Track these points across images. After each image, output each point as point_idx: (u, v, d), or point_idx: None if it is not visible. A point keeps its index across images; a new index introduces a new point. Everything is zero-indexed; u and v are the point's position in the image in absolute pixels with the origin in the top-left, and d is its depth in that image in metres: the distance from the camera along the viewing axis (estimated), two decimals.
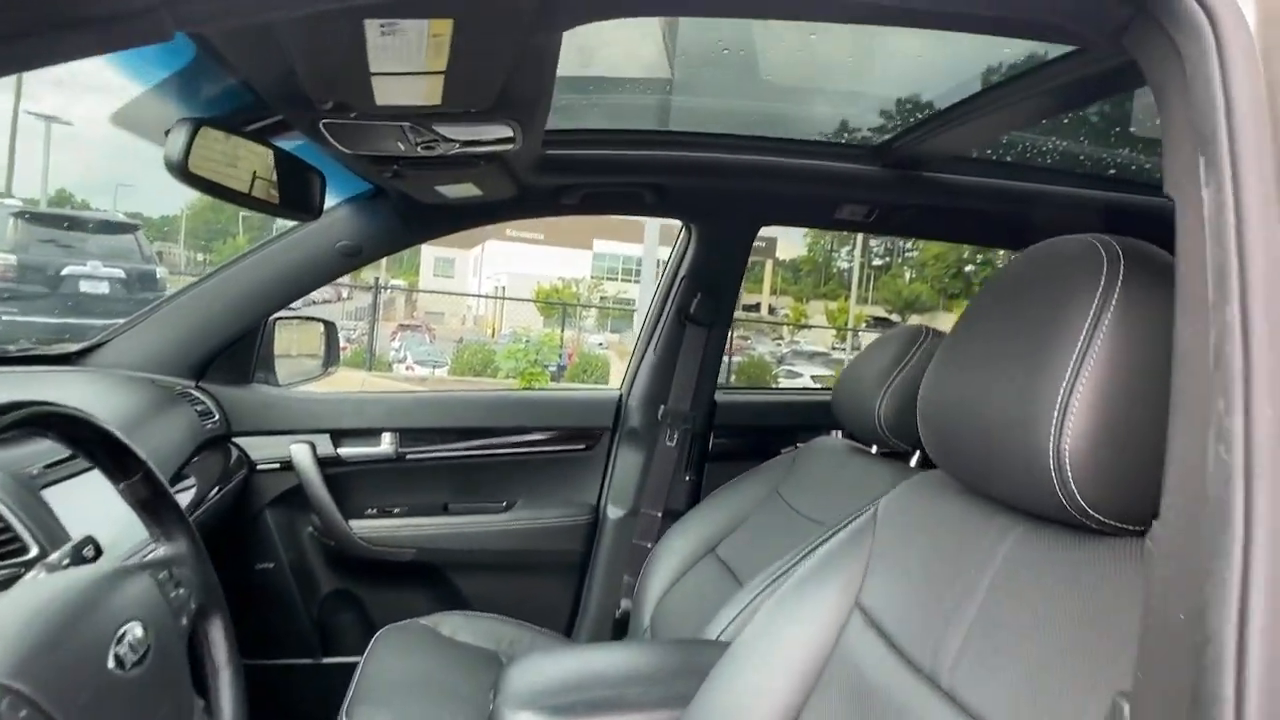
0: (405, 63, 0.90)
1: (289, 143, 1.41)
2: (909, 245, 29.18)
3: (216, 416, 1.82)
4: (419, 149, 1.27)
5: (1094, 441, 0.66)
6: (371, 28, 0.83)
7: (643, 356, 2.26)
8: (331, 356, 2.16)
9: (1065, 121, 1.86)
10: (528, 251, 26.53)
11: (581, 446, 2.24)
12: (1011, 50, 1.52)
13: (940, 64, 1.64)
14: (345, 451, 2.02)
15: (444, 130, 1.18)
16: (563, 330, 14.05)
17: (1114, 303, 0.67)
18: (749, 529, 1.80)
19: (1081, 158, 2.01)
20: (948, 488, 0.93)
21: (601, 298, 25.40)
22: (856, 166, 1.89)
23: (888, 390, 1.55)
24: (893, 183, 1.89)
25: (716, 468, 2.27)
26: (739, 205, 2.03)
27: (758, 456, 2.11)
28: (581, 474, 2.24)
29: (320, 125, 1.16)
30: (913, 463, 1.62)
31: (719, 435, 2.30)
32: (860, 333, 20.37)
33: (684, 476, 2.23)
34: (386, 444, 2.07)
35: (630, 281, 27.63)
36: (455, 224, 1.96)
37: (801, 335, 25.67)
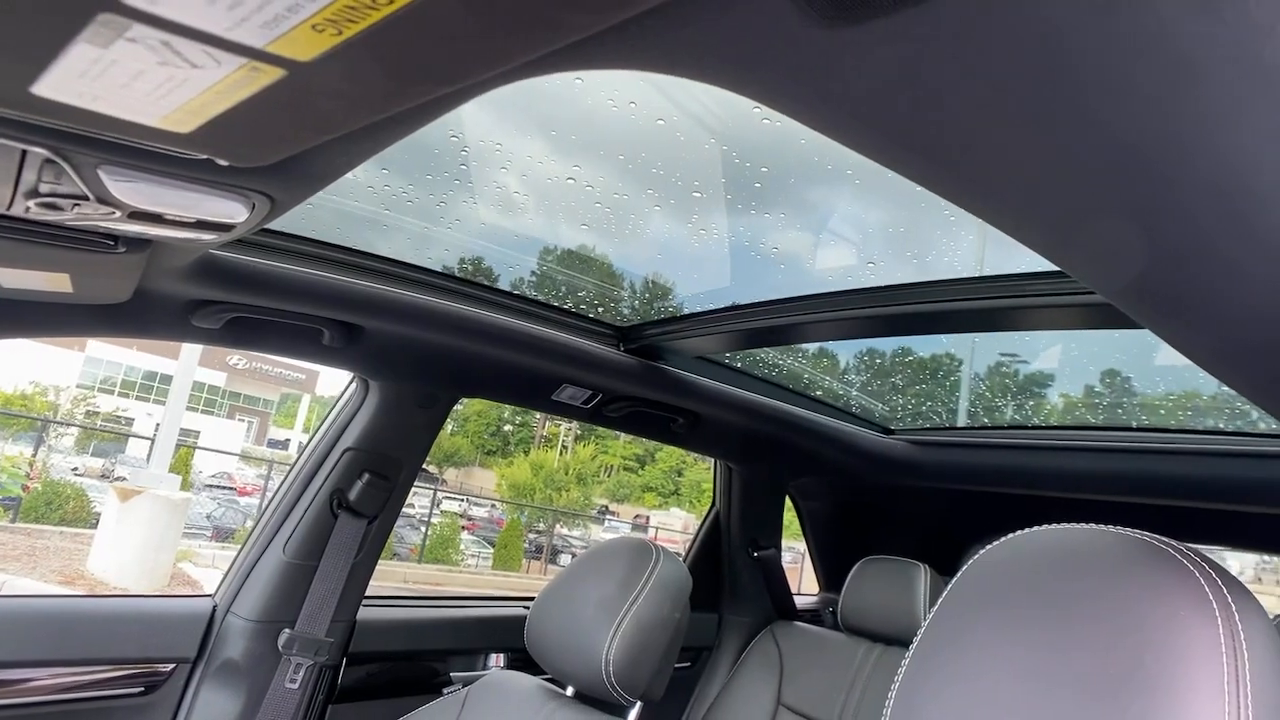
0: None
1: None
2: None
3: None
4: (27, 203, 0.63)
5: None
6: None
7: (260, 554, 1.58)
8: None
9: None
10: None
11: (137, 690, 1.44)
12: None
13: (718, 259, 1.50)
14: None
15: (120, 179, 0.57)
16: (36, 450, 10.70)
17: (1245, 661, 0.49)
18: None
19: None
20: None
21: (89, 413, 20.50)
22: (595, 346, 1.61)
23: (619, 629, 1.28)
24: (631, 371, 1.65)
25: (344, 711, 1.65)
26: (440, 367, 1.57)
27: (403, 692, 1.69)
28: None
29: None
30: (631, 717, 1.45)
31: (353, 663, 1.68)
32: None
33: None
34: None
35: (135, 398, 23.03)
36: None
37: None
